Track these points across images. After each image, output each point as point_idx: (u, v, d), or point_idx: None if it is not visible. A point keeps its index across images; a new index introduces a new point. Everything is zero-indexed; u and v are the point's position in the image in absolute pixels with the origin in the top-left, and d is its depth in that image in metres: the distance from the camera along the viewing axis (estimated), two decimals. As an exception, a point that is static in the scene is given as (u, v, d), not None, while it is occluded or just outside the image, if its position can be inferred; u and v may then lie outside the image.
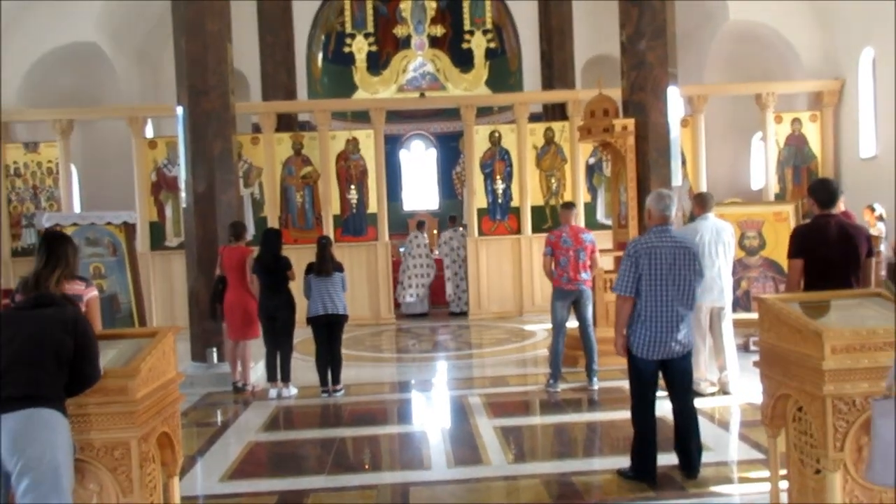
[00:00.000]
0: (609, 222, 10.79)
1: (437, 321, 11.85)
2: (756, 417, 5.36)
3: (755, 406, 5.77)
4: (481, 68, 16.77)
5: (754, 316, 6.17)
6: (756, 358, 3.55)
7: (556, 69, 14.17)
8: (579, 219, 11.34)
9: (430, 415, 6.17)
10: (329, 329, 6.80)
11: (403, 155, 19.64)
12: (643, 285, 4.16)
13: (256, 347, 7.45)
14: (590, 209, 11.83)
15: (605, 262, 7.72)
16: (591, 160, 11.88)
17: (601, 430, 5.47)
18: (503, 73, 16.97)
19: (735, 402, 5.98)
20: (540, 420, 5.82)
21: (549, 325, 6.94)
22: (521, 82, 15.81)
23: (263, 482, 4.58)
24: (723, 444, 5.01)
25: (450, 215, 12.99)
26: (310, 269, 6.86)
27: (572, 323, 6.88)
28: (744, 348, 7.77)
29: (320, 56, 16.96)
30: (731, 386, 6.23)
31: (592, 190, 11.94)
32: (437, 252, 12.94)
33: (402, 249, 12.81)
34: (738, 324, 6.97)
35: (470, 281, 11.63)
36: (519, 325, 10.83)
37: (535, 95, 13.41)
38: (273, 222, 11.17)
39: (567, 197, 11.54)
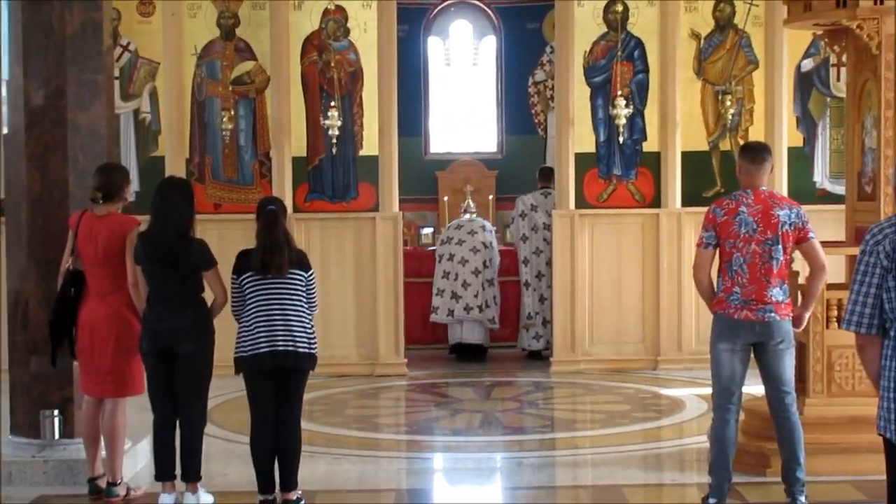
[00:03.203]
0: (840, 190, 10.61)
1: (495, 370, 11.84)
2: None
3: None
4: None
5: None
6: None
7: None
8: (777, 180, 11.18)
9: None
10: (279, 383, 6.80)
11: (433, 46, 19.57)
12: None
13: (138, 413, 7.46)
14: (800, 161, 11.71)
15: (831, 267, 7.58)
16: (807, 64, 11.73)
17: None
18: None
19: None
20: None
21: (710, 390, 6.84)
22: None
23: None
24: None
25: (541, 168, 12.94)
26: (245, 263, 6.86)
27: (756, 388, 6.78)
28: None
29: None
30: None
31: (807, 124, 11.79)
32: (510, 232, 13.03)
33: (440, 245, 12.76)
34: None
35: (556, 297, 11.60)
36: (652, 386, 10.81)
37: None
38: (175, 170, 11.22)
39: (757, 134, 11.40)
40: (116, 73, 10.75)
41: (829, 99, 11.71)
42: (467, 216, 12.90)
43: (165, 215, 6.86)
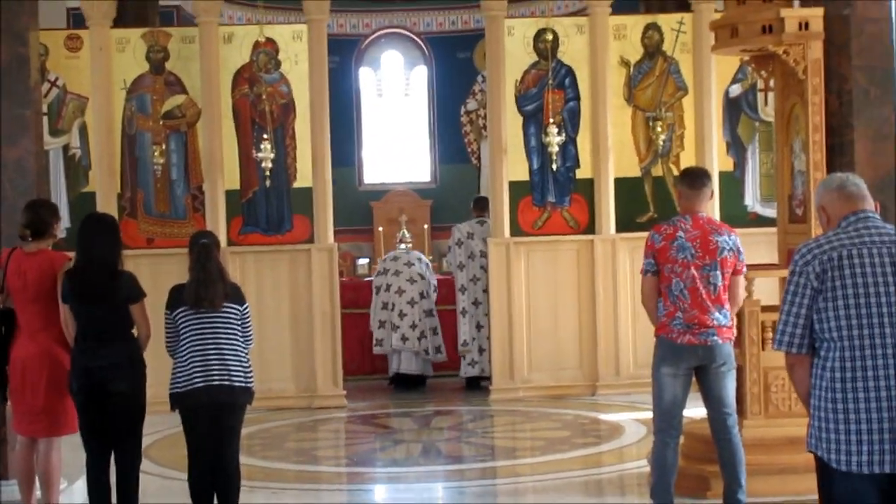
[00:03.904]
0: (771, 213, 10.73)
1: (434, 400, 11.84)
2: None
3: None
4: None
5: None
6: None
7: (668, -89, 14.13)
8: (712, 205, 11.29)
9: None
10: (216, 418, 6.73)
11: (365, 76, 19.60)
12: (831, 324, 4.19)
13: (73, 452, 7.37)
14: (731, 186, 11.82)
15: (764, 289, 7.65)
16: (735, 89, 11.87)
17: None
18: (562, -81, 17.01)
19: None
20: None
21: (650, 414, 6.87)
22: (598, -64, 15.79)
23: None
24: None
25: (475, 198, 13.02)
26: (178, 297, 6.80)
27: (696, 410, 6.81)
28: None
29: None
30: None
31: (737, 149, 11.92)
32: (447, 261, 12.99)
33: (376, 276, 12.75)
34: None
35: (494, 325, 11.61)
36: (591, 411, 10.82)
37: (626, -38, 13.38)
38: (106, 206, 11.12)
39: (688, 160, 11.50)
40: (45, 108, 10.67)
41: (757, 123, 11.85)
42: (403, 247, 12.93)
43: (90, 251, 6.79)
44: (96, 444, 6.84)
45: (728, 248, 6.55)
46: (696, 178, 6.77)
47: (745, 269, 6.68)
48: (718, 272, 6.52)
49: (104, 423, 6.78)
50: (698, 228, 6.56)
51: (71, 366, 6.81)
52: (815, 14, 7.56)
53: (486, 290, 11.93)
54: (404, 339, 12.17)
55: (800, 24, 7.50)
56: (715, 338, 6.53)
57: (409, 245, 13.22)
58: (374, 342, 12.36)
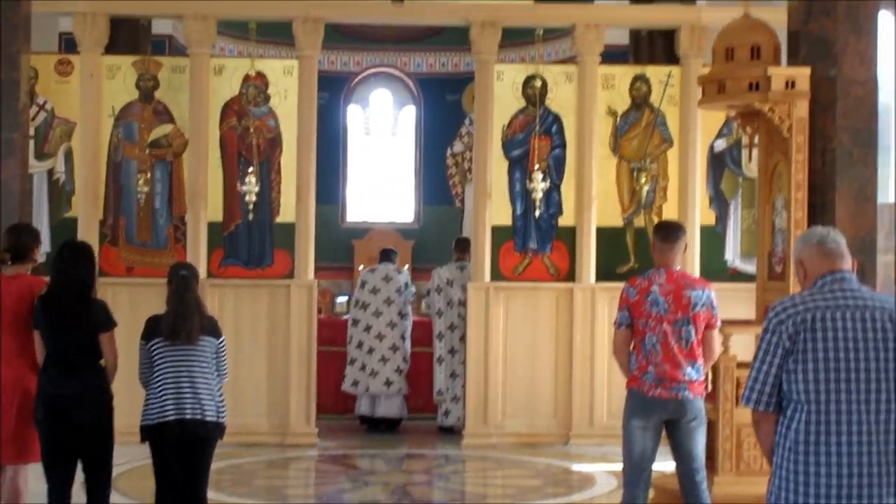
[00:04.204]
0: (750, 269, 10.76)
1: (407, 442, 11.78)
2: None
3: None
4: (514, -45, 16.89)
5: None
6: None
7: (661, -35, 14.26)
8: (689, 258, 11.32)
9: None
10: (186, 452, 6.71)
11: (353, 114, 19.68)
12: (799, 386, 4.22)
13: (39, 480, 7.31)
14: (712, 241, 11.84)
15: (741, 345, 7.67)
16: (720, 144, 11.93)
17: None
18: (556, -33, 17.13)
19: None
20: None
21: (620, 466, 6.87)
22: (591, -14, 15.88)
23: None
24: None
25: (457, 239, 13.00)
26: (154, 328, 6.78)
27: (666, 464, 6.81)
28: None
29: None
30: None
31: (719, 203, 11.97)
32: (426, 303, 12.94)
33: (354, 308, 12.62)
34: None
35: (470, 369, 11.58)
36: (563, 461, 10.78)
37: (617, 11, 13.42)
38: (88, 232, 11.09)
39: (670, 212, 11.56)
40: (31, 131, 10.66)
41: (740, 179, 11.88)
42: (381, 273, 12.61)
43: (65, 278, 6.78)
44: (59, 473, 6.80)
45: (701, 303, 6.58)
46: (670, 231, 6.82)
47: (719, 323, 6.72)
48: (691, 327, 6.54)
49: (68, 453, 6.75)
50: (672, 283, 6.59)
51: (37, 393, 6.78)
52: (803, 73, 7.65)
53: (462, 339, 11.91)
54: (388, 383, 12.10)
55: (787, 83, 7.60)
56: (686, 392, 6.54)
57: (392, 268, 12.92)
58: (344, 378, 12.29)
